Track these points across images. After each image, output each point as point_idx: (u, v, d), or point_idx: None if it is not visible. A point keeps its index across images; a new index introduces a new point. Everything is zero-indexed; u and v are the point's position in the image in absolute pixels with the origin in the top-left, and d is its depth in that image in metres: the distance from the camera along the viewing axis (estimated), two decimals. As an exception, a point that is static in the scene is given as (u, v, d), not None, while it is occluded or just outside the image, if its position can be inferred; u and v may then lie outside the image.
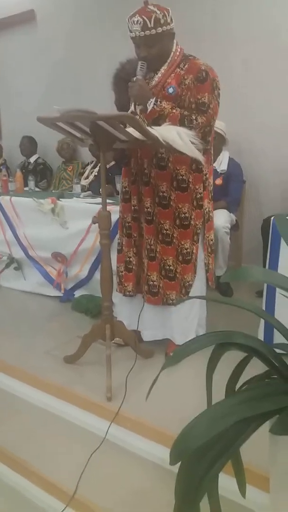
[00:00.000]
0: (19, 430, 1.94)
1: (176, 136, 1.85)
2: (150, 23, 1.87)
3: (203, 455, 0.89)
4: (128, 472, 1.66)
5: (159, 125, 1.94)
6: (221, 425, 0.84)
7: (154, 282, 2.15)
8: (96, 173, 3.93)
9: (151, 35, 1.89)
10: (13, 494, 1.75)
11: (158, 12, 1.88)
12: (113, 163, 3.36)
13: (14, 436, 1.90)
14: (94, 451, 1.67)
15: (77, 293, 3.07)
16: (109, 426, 1.77)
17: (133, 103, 2.04)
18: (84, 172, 4.14)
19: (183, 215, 2.08)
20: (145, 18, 1.87)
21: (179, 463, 0.91)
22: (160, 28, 1.89)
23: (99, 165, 3.44)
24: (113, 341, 2.15)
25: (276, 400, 0.91)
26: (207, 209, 2.16)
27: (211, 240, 2.22)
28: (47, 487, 1.67)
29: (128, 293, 2.25)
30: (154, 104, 1.94)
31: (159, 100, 1.95)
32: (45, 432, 1.90)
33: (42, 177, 4.56)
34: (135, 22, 1.88)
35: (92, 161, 4.12)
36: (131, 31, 1.92)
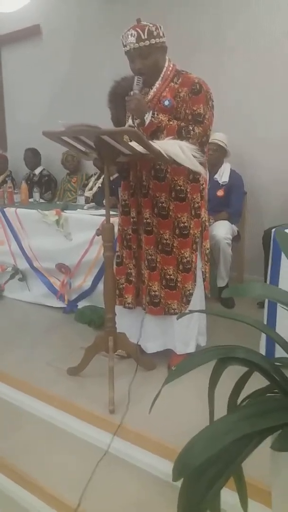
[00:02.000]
0: (22, 442, 1.93)
1: (178, 150, 1.88)
2: (144, 34, 1.95)
3: (205, 472, 0.89)
4: (130, 485, 1.65)
5: (157, 137, 1.99)
6: (222, 442, 0.85)
7: (156, 293, 2.16)
8: (100, 185, 3.96)
9: (145, 46, 1.97)
10: (15, 507, 1.75)
11: (151, 25, 1.98)
12: (116, 175, 3.40)
13: (16, 448, 1.90)
14: (97, 465, 1.67)
15: (80, 304, 3.08)
16: (111, 439, 1.77)
17: (130, 118, 2.09)
18: (88, 184, 4.18)
19: (182, 225, 2.11)
20: (139, 30, 1.96)
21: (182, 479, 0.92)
22: (153, 39, 1.97)
23: (102, 176, 3.47)
24: (116, 353, 2.15)
25: (277, 416, 0.92)
26: (204, 218, 2.19)
27: (207, 249, 2.26)
28: (49, 500, 1.67)
29: (127, 305, 2.26)
30: (152, 117, 1.99)
31: (156, 113, 2.00)
32: (47, 445, 1.90)
33: (47, 188, 4.60)
34: (130, 35, 1.97)
35: (96, 173, 4.16)
36: (125, 46, 2.00)
